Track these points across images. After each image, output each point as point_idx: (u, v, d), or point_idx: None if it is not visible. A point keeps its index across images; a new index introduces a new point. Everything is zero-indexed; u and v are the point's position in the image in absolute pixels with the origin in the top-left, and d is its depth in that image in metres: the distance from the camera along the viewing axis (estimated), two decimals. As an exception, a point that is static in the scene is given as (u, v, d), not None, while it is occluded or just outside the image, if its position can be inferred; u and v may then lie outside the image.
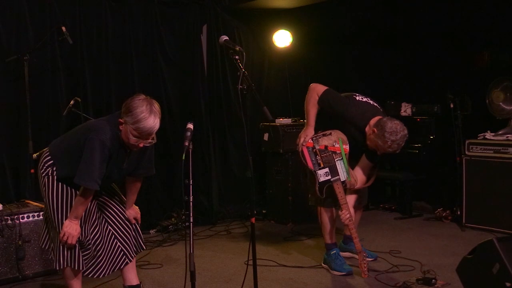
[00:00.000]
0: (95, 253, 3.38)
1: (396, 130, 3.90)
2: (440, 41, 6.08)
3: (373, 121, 4.05)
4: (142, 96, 3.14)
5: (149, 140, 3.17)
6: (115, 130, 3.18)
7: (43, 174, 3.32)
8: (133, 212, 3.56)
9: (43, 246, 3.51)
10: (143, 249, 3.63)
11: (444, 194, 6.05)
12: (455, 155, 5.48)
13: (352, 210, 4.13)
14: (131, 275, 3.58)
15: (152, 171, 3.53)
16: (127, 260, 3.50)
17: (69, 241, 3.22)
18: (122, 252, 3.48)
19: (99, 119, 3.40)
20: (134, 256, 3.57)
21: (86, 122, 3.75)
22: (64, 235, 3.21)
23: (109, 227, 3.46)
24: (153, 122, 3.08)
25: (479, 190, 5.36)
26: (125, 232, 3.50)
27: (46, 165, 3.32)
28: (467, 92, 5.65)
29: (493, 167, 5.25)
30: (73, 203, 3.24)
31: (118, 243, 3.47)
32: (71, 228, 3.21)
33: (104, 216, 3.47)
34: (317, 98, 4.15)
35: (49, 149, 3.38)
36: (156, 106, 3.15)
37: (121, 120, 3.13)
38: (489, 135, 5.40)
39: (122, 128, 3.14)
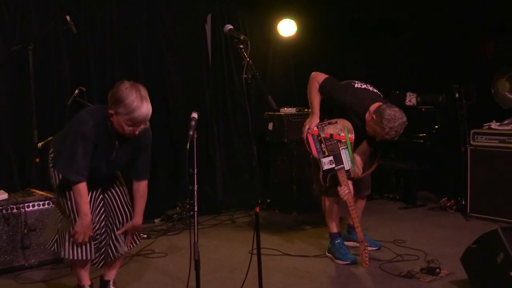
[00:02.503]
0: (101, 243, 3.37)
1: (394, 117, 3.89)
2: (445, 30, 6.05)
3: (372, 107, 4.05)
4: (128, 84, 3.06)
5: (142, 126, 3.10)
6: (101, 120, 3.10)
7: (50, 166, 3.33)
8: (133, 223, 3.42)
9: (49, 247, 3.42)
10: (120, 254, 3.45)
11: (449, 184, 6.04)
12: (460, 145, 5.46)
13: (351, 187, 4.12)
14: (110, 270, 3.53)
15: (146, 177, 3.40)
16: (109, 258, 3.41)
17: (82, 240, 3.21)
18: (109, 248, 3.40)
19: (85, 109, 3.36)
20: (118, 256, 3.45)
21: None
22: (77, 235, 3.18)
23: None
24: (146, 109, 3.03)
25: (484, 180, 5.35)
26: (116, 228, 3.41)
27: (50, 156, 3.34)
28: (472, 81, 5.62)
29: (498, 157, 5.23)
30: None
31: (108, 237, 3.39)
32: (83, 227, 3.18)
33: (105, 209, 3.43)
34: (318, 86, 4.15)
35: (52, 140, 3.41)
36: (144, 91, 3.08)
37: (111, 111, 3.04)
38: (494, 124, 5.38)
39: (113, 120, 3.05)
